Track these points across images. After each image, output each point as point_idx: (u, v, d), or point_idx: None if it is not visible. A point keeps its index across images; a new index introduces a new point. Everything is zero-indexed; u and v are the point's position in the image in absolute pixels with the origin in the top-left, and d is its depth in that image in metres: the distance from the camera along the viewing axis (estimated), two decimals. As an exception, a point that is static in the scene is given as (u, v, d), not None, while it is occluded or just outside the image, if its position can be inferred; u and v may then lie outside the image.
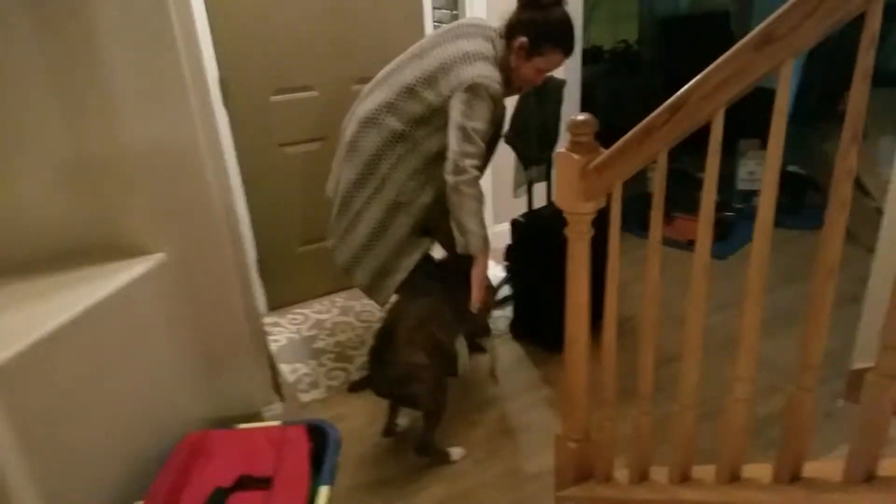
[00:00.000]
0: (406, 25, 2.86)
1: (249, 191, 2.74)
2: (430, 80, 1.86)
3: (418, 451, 2.00)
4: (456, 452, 2.03)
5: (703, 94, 1.10)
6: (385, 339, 1.94)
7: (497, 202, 3.33)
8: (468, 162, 1.80)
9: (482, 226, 1.87)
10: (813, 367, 1.08)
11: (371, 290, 2.08)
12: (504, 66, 1.91)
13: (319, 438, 1.60)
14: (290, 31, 2.61)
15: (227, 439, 1.61)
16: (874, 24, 0.89)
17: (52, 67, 1.47)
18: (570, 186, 1.44)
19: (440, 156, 1.89)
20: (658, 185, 1.26)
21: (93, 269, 1.58)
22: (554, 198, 2.62)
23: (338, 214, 2.05)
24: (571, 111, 3.03)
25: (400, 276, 2.03)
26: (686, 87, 1.12)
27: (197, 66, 1.69)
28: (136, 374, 1.59)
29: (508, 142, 2.52)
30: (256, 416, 2.09)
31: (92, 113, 1.53)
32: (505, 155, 2.32)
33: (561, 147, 1.45)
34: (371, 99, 1.98)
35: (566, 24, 1.88)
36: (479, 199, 1.85)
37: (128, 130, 1.56)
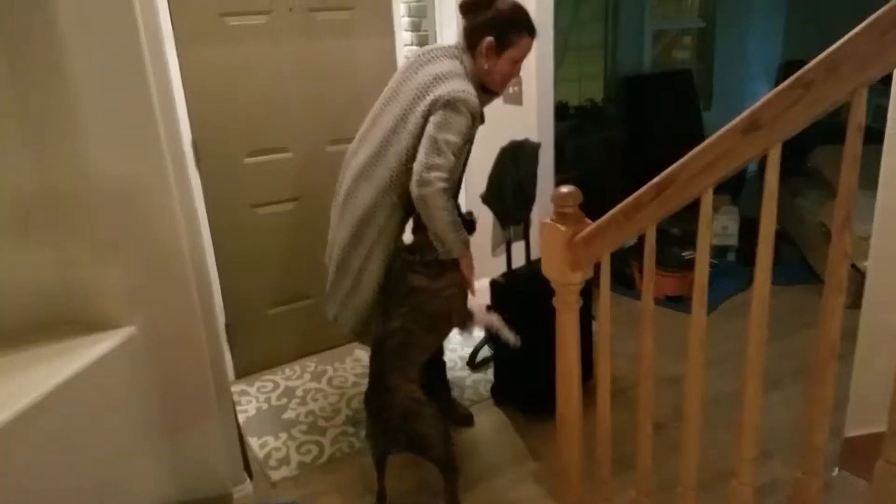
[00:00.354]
0: (379, 85, 2.85)
1: (219, 252, 2.67)
2: (408, 112, 1.86)
3: None
4: None
5: (691, 174, 1.10)
6: (376, 383, 1.88)
7: (475, 260, 3.29)
8: (434, 174, 1.77)
9: (457, 230, 1.86)
10: (818, 448, 1.05)
11: None
12: (476, 77, 1.93)
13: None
14: (263, 94, 2.59)
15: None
16: (859, 114, 0.90)
17: (18, 101, 1.41)
18: (556, 257, 1.42)
19: None
20: (647, 259, 1.25)
21: (59, 345, 1.48)
22: (534, 257, 2.61)
23: (335, 279, 2.03)
24: (546, 168, 3.05)
25: None
26: (674, 165, 1.13)
27: (170, 117, 1.64)
28: (100, 454, 1.49)
29: (485, 202, 2.51)
30: (227, 498, 1.97)
31: (57, 152, 1.46)
32: (483, 214, 2.32)
33: (546, 218, 1.44)
34: (359, 156, 1.98)
35: (519, 9, 1.92)
36: (448, 208, 1.81)
37: (95, 171, 1.48)
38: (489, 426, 2.47)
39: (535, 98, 2.69)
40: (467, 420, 2.44)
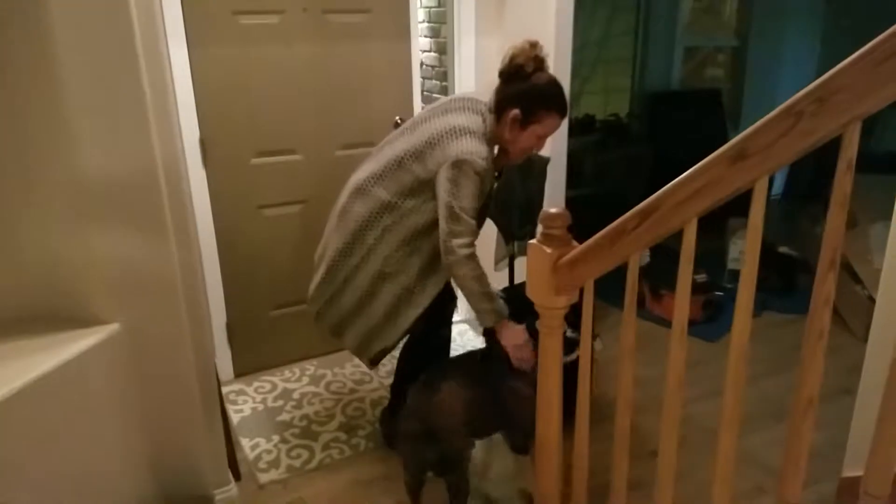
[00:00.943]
0: (394, 93, 2.86)
1: (224, 252, 2.67)
2: (418, 153, 1.85)
3: None
4: None
5: (676, 202, 1.04)
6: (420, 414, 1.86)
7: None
8: (455, 242, 1.77)
9: (489, 299, 1.82)
10: (790, 506, 0.98)
11: (360, 352, 2.08)
12: (495, 140, 1.90)
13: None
14: (273, 95, 2.59)
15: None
16: (851, 150, 0.84)
17: (3, 94, 1.40)
18: (541, 279, 1.37)
19: (427, 228, 1.88)
20: (630, 287, 1.20)
21: (41, 339, 1.49)
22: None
23: (322, 281, 2.04)
24: (557, 184, 2.99)
25: (383, 344, 2.02)
26: (658, 192, 1.07)
27: (166, 116, 1.63)
28: (79, 451, 1.49)
29: (491, 216, 2.47)
30: (209, 499, 1.96)
31: (43, 146, 1.45)
32: (487, 228, 2.28)
33: (532, 239, 1.39)
34: (362, 169, 2.00)
35: (554, 86, 1.86)
36: (477, 279, 1.80)
37: (81, 167, 1.47)
38: (482, 442, 2.41)
39: (549, 111, 2.63)
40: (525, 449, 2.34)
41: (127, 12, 1.42)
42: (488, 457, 2.34)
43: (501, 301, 1.86)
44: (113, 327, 1.60)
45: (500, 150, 1.97)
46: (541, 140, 1.92)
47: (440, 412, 1.84)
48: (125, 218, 1.56)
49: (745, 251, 0.96)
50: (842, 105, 0.85)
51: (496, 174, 2.13)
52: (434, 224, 1.85)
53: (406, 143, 1.90)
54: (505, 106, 1.85)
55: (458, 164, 1.77)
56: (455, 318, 2.32)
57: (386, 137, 2.04)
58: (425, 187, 1.85)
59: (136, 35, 1.45)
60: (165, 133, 1.61)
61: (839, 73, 0.84)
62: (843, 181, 0.86)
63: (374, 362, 2.08)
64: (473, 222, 1.81)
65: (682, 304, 1.08)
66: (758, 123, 0.93)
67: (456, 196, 1.77)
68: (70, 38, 1.38)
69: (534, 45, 1.83)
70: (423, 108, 2.01)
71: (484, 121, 1.87)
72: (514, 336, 1.84)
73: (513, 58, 1.83)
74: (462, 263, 1.78)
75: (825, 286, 0.88)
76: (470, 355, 2.16)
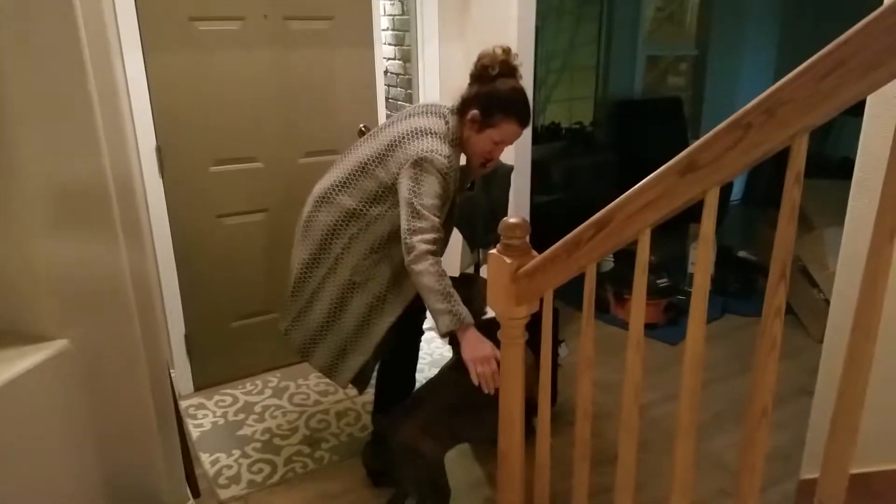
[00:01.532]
0: (358, 101, 2.83)
1: (182, 261, 2.60)
2: (381, 157, 1.85)
3: None
4: None
5: (628, 214, 1.05)
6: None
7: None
8: (416, 238, 1.70)
9: (448, 301, 1.66)
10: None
11: (331, 372, 2.02)
12: (459, 143, 1.89)
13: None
14: (233, 102, 2.54)
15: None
16: (799, 161, 0.85)
17: None
18: (501, 289, 1.37)
19: (395, 235, 1.83)
20: (587, 298, 1.20)
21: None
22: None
23: (291, 295, 2.01)
24: (523, 191, 3.01)
25: (360, 357, 1.97)
26: (611, 204, 1.07)
27: (118, 124, 1.58)
28: (27, 473, 1.42)
29: (455, 224, 2.47)
30: (164, 518, 1.90)
31: None
32: (453, 236, 2.27)
33: (493, 248, 1.39)
34: (326, 178, 1.98)
35: (516, 93, 1.86)
36: (436, 275, 1.68)
37: (26, 175, 1.41)
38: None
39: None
40: None
41: (73, 16, 1.37)
42: (451, 465, 2.32)
43: (465, 308, 1.71)
44: (61, 343, 1.54)
45: (467, 160, 1.96)
46: (497, 146, 1.90)
47: (426, 467, 1.82)
48: (73, 227, 1.51)
49: (696, 259, 0.97)
50: (788, 117, 0.86)
51: (468, 186, 2.12)
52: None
53: (369, 149, 1.89)
54: (467, 106, 1.86)
55: (419, 163, 1.76)
56: (424, 325, 2.29)
57: (351, 146, 2.02)
58: (389, 193, 1.84)
59: (83, 39, 1.40)
60: (116, 139, 1.56)
61: (785, 86, 0.85)
62: (792, 192, 0.87)
63: (353, 382, 2.01)
64: (436, 220, 1.75)
65: (637, 312, 1.08)
66: (707, 135, 0.93)
67: (417, 193, 1.74)
68: (10, 41, 1.33)
69: (506, 51, 1.84)
70: (387, 115, 1.99)
71: (446, 123, 1.87)
72: (475, 347, 1.63)
73: (480, 58, 1.85)
74: (421, 258, 1.69)
75: (776, 298, 0.89)
76: (442, 379, 2.03)
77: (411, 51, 2.95)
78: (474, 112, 1.84)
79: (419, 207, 1.73)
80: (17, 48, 1.34)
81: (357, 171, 1.88)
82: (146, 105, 2.35)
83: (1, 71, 1.33)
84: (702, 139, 0.94)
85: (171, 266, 2.57)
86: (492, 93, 1.83)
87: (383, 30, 2.90)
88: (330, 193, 1.92)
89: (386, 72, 3.07)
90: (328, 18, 2.66)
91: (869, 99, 1.57)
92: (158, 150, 2.44)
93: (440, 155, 1.77)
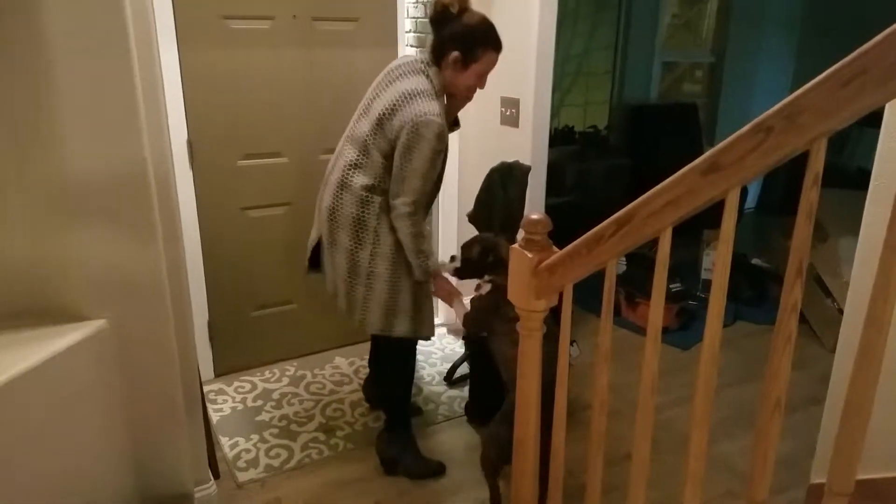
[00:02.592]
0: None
1: (207, 251, 2.68)
2: (378, 129, 1.92)
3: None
4: None
5: (650, 212, 1.09)
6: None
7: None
8: (398, 201, 1.92)
9: (418, 257, 1.98)
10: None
11: (416, 333, 2.13)
12: (443, 92, 1.97)
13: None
14: (261, 99, 2.61)
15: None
16: (817, 164, 0.90)
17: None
18: (522, 283, 1.42)
19: None
20: (607, 291, 1.25)
21: (27, 334, 1.48)
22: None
23: (348, 290, 2.06)
24: (537, 193, 3.05)
25: (429, 303, 2.15)
26: (635, 202, 1.12)
27: (157, 117, 1.64)
28: (63, 447, 1.49)
29: (472, 221, 2.51)
30: (188, 497, 1.96)
31: (35, 144, 1.45)
32: (469, 232, 2.32)
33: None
34: (337, 166, 2.04)
35: (487, 24, 1.94)
36: (411, 235, 1.95)
37: (72, 165, 1.48)
38: (459, 443, 2.45)
39: (531, 121, 2.69)
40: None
41: (122, 11, 1.44)
42: (464, 456, 2.37)
43: (434, 261, 2.04)
44: (100, 323, 1.60)
45: (448, 99, 2.03)
46: (481, 78, 1.99)
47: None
48: (114, 216, 1.57)
49: (716, 258, 1.02)
50: (808, 123, 0.90)
51: (453, 124, 2.17)
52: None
53: (366, 125, 1.96)
54: (444, 51, 1.92)
55: (416, 128, 1.84)
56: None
57: (345, 132, 2.09)
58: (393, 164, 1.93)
59: (131, 34, 1.47)
60: (155, 132, 1.63)
61: (806, 93, 0.90)
62: (810, 193, 0.91)
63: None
64: (419, 184, 1.89)
65: (657, 304, 1.13)
66: (730, 138, 0.98)
67: (408, 158, 1.86)
68: (63, 34, 1.40)
69: None
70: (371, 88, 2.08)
71: (427, 77, 1.93)
72: (440, 287, 2.13)
73: (435, 3, 1.91)
74: (401, 219, 1.92)
75: (793, 293, 0.93)
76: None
77: (433, 52, 3.00)
78: (455, 54, 1.90)
79: (405, 173, 1.88)
80: (66, 42, 1.40)
81: (362, 150, 1.96)
82: (179, 99, 2.43)
83: (50, 62, 1.40)
84: (724, 141, 0.99)
85: (198, 255, 2.64)
86: (467, 31, 1.91)
87: (406, 31, 2.95)
88: (346, 178, 1.99)
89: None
90: (354, 20, 2.73)
91: (887, 108, 1.61)
92: (189, 143, 2.51)
93: (434, 115, 1.85)
